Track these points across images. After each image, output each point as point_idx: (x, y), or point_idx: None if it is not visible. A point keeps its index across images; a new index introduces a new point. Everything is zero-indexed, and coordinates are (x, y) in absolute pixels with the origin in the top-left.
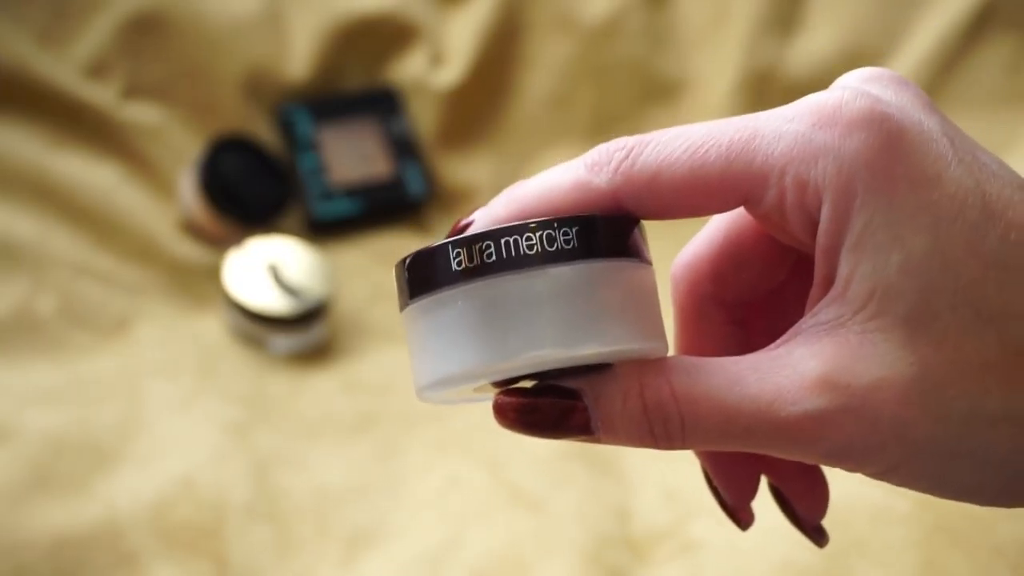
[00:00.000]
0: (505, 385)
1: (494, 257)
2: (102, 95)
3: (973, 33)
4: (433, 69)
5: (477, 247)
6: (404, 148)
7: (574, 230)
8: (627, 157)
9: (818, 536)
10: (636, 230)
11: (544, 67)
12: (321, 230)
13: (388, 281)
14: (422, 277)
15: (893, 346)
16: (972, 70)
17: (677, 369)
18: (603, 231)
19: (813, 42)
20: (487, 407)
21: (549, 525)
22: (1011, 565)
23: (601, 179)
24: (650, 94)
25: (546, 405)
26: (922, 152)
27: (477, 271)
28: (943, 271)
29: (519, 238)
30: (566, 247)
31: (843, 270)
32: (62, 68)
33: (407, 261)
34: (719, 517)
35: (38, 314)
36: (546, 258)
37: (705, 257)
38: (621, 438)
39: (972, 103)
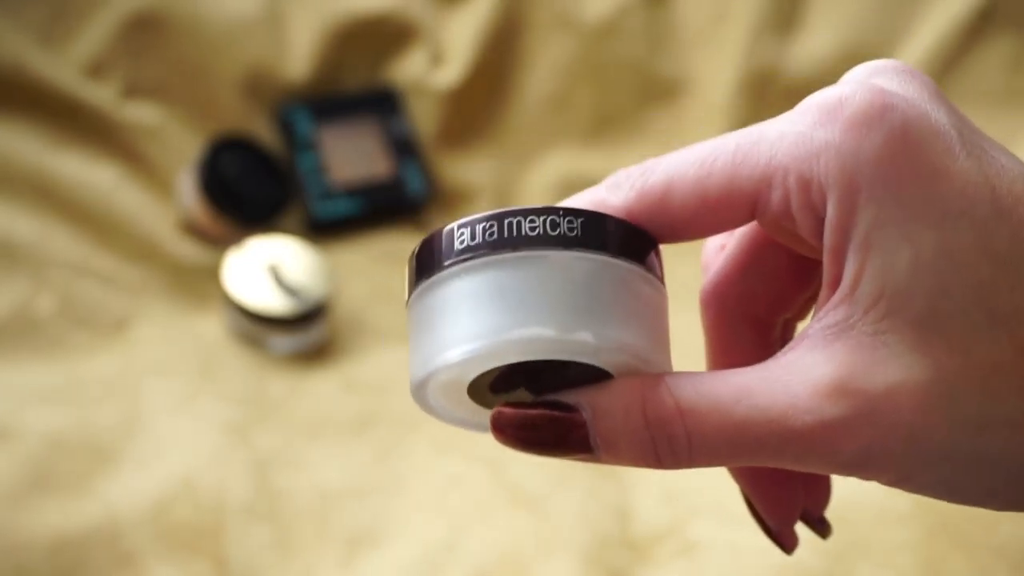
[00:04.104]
0: (502, 391)
1: (496, 236)
2: (102, 95)
3: (973, 32)
4: (433, 69)
5: (481, 227)
6: (404, 148)
7: (579, 220)
8: (642, 175)
9: (821, 527)
10: (651, 247)
11: (544, 67)
12: (321, 230)
13: (388, 281)
14: (426, 261)
15: (905, 348)
16: (972, 69)
17: (680, 382)
18: (611, 228)
19: (813, 42)
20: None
21: (549, 525)
22: (1012, 566)
23: (617, 197)
24: (650, 94)
25: (543, 419)
26: (928, 145)
27: (478, 249)
28: (953, 271)
29: (523, 219)
30: (569, 234)
31: (850, 269)
32: (61, 68)
33: (417, 249)
34: (719, 517)
35: (38, 314)
36: (548, 241)
37: (731, 276)
38: (623, 457)
39: (972, 102)
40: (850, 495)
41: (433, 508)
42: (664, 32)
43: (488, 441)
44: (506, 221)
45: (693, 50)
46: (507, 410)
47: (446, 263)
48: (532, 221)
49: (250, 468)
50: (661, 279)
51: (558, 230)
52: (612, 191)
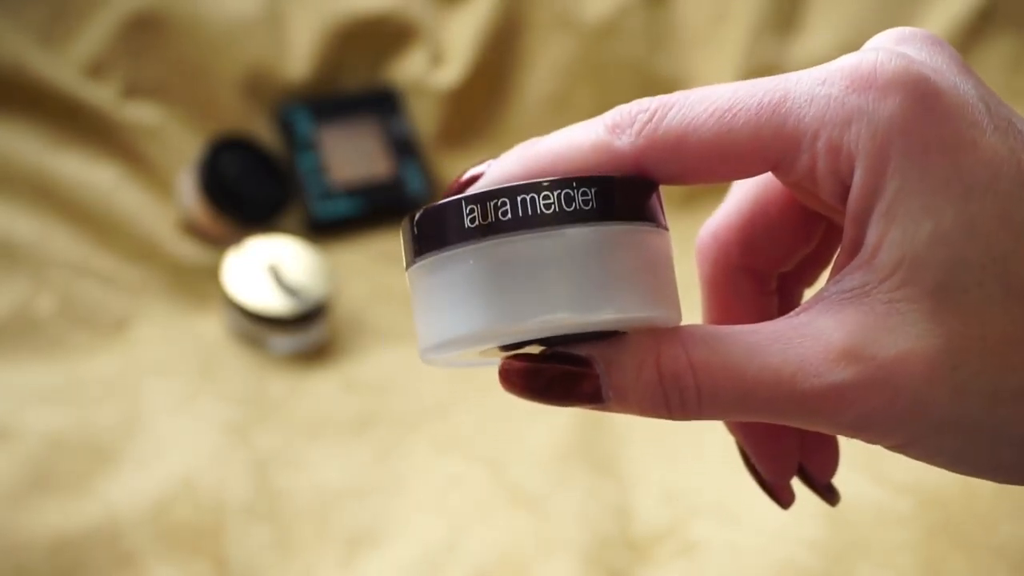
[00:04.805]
0: (512, 349)
1: (509, 215)
2: (102, 95)
3: (973, 32)
4: (433, 69)
5: (492, 204)
6: (404, 148)
7: (593, 191)
8: (651, 120)
9: (829, 494)
10: (654, 194)
11: (544, 67)
12: (321, 230)
13: (388, 281)
14: (431, 233)
15: (920, 317)
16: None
17: (694, 338)
18: (622, 193)
19: (813, 42)
20: (487, 410)
21: (549, 525)
22: (1012, 565)
23: (623, 142)
24: (650, 94)
25: (555, 372)
26: (958, 116)
27: (491, 229)
28: (974, 242)
29: (536, 196)
30: (584, 208)
31: (871, 236)
32: (61, 68)
33: (416, 217)
34: (719, 517)
35: (38, 314)
36: (563, 218)
37: (733, 225)
38: (632, 407)
39: None
40: (850, 495)
41: (433, 508)
42: (664, 32)
43: (488, 441)
44: (519, 198)
45: (693, 50)
46: (517, 363)
47: (457, 241)
48: (546, 197)
49: (250, 468)
50: (665, 222)
51: (573, 205)
52: (616, 134)
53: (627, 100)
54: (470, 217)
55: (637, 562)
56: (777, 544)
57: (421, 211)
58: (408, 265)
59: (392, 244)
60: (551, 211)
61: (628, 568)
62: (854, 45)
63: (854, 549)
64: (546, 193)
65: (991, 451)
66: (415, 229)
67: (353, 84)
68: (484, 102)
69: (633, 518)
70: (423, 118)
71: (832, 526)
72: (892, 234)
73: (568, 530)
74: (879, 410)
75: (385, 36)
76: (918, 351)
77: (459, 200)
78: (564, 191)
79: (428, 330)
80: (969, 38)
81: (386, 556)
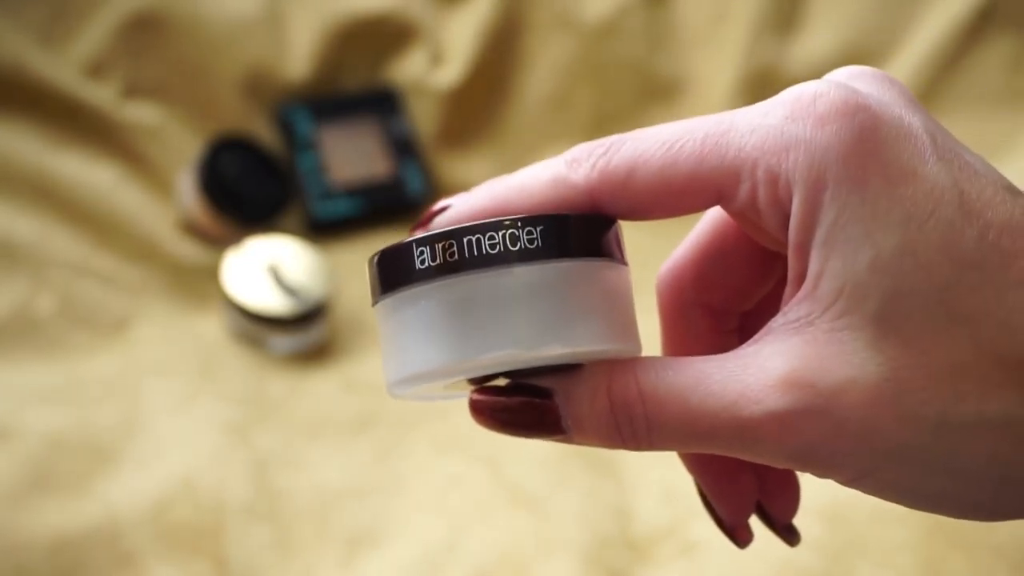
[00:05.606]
0: (479, 382)
1: (456, 256)
2: (102, 95)
3: (973, 32)
4: (433, 69)
5: (440, 245)
6: (404, 148)
7: (539, 229)
8: (605, 153)
9: (789, 535)
10: (610, 230)
11: (544, 67)
12: (321, 230)
13: None
14: (389, 274)
15: (861, 346)
16: (972, 69)
17: (645, 367)
18: (573, 230)
19: (813, 42)
20: None
21: (549, 525)
22: (1011, 565)
23: (578, 175)
24: (650, 94)
25: (518, 405)
26: (898, 146)
27: (440, 270)
28: (915, 270)
29: (482, 237)
30: (530, 246)
31: (813, 266)
32: (61, 68)
33: (375, 258)
34: None
35: (38, 314)
36: (510, 257)
37: (688, 262)
38: (591, 438)
39: (972, 102)
40: (849, 494)
41: (433, 508)
42: (664, 32)
43: (488, 441)
44: (465, 239)
45: (693, 50)
46: (484, 396)
47: (409, 283)
48: (491, 238)
49: (250, 468)
50: (622, 258)
51: (518, 244)
52: (573, 168)
53: (627, 100)
54: (420, 259)
55: (637, 562)
56: (776, 544)
57: (379, 253)
58: (373, 303)
59: None
60: (496, 251)
61: (628, 568)
62: (854, 45)
63: (853, 548)
64: (491, 233)
65: (946, 484)
66: (376, 270)
67: (353, 84)
68: (484, 102)
69: (633, 518)
70: (423, 118)
71: (831, 525)
72: (832, 263)
73: (568, 530)
74: (822, 438)
75: (385, 36)
76: (860, 379)
77: (411, 243)
78: (509, 231)
79: (390, 366)
80: (969, 38)
81: (386, 556)
